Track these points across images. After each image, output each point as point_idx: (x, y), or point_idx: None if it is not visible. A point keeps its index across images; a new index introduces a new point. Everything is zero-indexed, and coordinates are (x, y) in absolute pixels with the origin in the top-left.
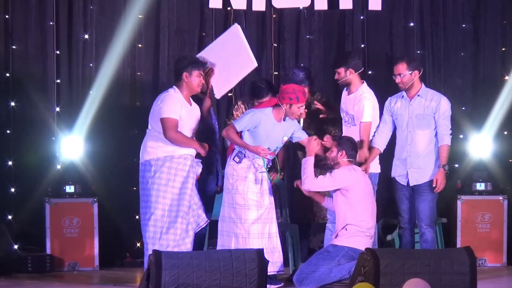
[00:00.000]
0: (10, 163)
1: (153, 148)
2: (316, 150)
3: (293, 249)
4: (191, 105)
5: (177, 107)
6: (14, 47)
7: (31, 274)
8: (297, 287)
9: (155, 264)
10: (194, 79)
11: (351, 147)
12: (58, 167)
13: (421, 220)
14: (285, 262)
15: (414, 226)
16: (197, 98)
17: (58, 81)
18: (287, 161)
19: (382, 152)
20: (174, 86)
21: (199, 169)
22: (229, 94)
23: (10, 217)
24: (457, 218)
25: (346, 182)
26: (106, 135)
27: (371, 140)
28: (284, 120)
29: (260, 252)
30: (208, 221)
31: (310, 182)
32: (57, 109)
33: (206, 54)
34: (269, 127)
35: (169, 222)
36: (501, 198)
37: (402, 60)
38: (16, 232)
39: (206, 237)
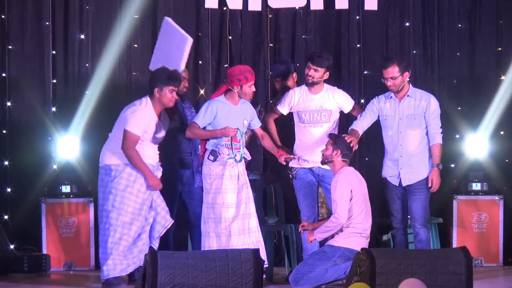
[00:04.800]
0: (6, 163)
1: (115, 153)
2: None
3: (289, 249)
4: (160, 118)
5: (145, 123)
6: (10, 47)
7: (27, 274)
8: (293, 287)
9: (151, 264)
10: (166, 95)
11: (347, 147)
12: (54, 167)
13: (414, 220)
14: (281, 262)
15: (407, 226)
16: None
17: (54, 81)
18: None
19: (360, 135)
20: (148, 97)
21: (159, 173)
22: None
23: (6, 217)
24: (453, 218)
25: (349, 187)
26: (102, 135)
27: (351, 123)
28: (239, 102)
29: (256, 252)
30: (173, 221)
31: (339, 220)
32: (53, 109)
33: (155, 57)
34: (227, 112)
35: (122, 227)
36: (497, 198)
37: (393, 62)
38: (12, 232)
39: (189, 238)
